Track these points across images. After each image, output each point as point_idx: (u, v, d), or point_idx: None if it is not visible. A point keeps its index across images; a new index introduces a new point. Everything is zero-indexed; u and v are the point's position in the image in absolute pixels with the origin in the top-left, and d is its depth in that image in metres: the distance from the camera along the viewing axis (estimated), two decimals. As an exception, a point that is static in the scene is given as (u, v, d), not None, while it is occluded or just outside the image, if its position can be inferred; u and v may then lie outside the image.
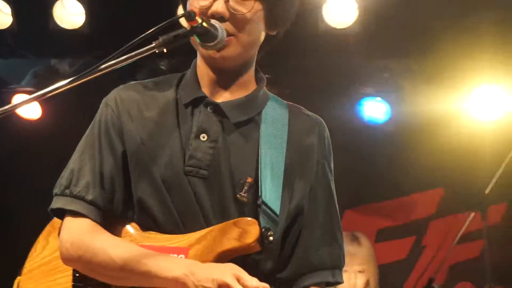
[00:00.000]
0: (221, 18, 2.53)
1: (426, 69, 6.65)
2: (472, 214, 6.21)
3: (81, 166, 2.72)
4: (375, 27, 6.00)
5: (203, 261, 2.50)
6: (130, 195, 2.68)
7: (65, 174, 2.74)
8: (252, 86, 2.78)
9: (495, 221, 6.96)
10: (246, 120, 2.70)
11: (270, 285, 2.57)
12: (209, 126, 2.66)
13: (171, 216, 2.61)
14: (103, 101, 2.81)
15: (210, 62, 2.69)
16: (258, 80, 2.81)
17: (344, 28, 5.99)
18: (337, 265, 2.77)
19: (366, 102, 6.86)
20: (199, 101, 2.70)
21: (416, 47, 6.25)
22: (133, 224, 2.70)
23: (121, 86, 2.85)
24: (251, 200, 2.59)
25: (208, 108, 2.68)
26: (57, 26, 6.11)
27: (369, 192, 7.28)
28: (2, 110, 2.26)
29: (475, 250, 7.11)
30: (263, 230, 2.53)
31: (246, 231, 2.53)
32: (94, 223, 2.66)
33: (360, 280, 5.54)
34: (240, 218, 2.57)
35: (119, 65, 2.30)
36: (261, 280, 2.50)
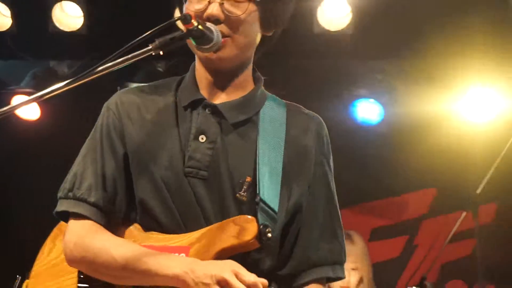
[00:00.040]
0: (216, 21, 2.54)
1: (419, 71, 6.65)
2: (464, 214, 6.20)
3: (83, 169, 2.74)
4: (368, 30, 6.01)
5: (204, 259, 2.51)
6: (133, 196, 2.70)
7: (68, 178, 2.77)
8: (250, 86, 2.78)
9: (486, 220, 6.97)
10: (244, 120, 2.70)
11: (271, 282, 2.59)
12: (207, 128, 2.66)
13: (173, 216, 2.62)
14: (105, 105, 2.83)
15: (207, 64, 2.69)
16: (255, 80, 2.81)
17: (338, 31, 6.00)
18: (338, 260, 2.77)
19: (359, 103, 6.88)
20: (198, 103, 2.70)
21: (409, 49, 6.25)
22: (136, 225, 2.71)
23: (121, 90, 2.86)
24: (251, 199, 2.60)
25: (207, 110, 2.68)
26: (56, 28, 6.11)
27: (363, 192, 7.29)
28: (1, 111, 2.27)
29: (466, 249, 7.13)
30: (261, 227, 2.53)
31: (245, 229, 2.54)
32: (97, 225, 2.67)
33: (354, 277, 5.55)
34: (238, 216, 2.57)
35: (116, 67, 2.31)
36: (261, 277, 2.51)
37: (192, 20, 2.40)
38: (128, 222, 2.72)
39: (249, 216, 2.56)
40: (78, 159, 2.79)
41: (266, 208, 2.58)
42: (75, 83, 2.29)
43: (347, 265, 5.61)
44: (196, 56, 2.73)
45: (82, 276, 2.73)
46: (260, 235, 2.53)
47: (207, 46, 2.51)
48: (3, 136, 6.96)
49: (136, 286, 2.61)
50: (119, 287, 2.66)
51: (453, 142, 6.77)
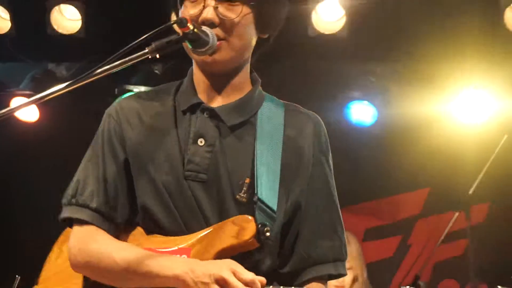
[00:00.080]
0: (211, 24, 2.55)
1: (412, 73, 6.66)
2: (456, 214, 6.21)
3: (86, 176, 2.76)
4: (362, 33, 6.02)
5: (204, 259, 2.53)
6: (135, 200, 2.71)
7: (71, 184, 2.78)
8: (247, 88, 2.79)
9: (478, 220, 6.98)
10: (241, 122, 2.71)
11: (272, 281, 2.61)
12: (206, 131, 2.67)
13: (174, 219, 2.64)
14: (106, 112, 2.85)
15: (204, 67, 2.70)
16: (253, 82, 2.82)
17: (332, 34, 6.01)
18: (339, 257, 2.77)
19: (353, 105, 6.89)
20: (196, 107, 2.71)
21: (401, 52, 6.26)
22: (139, 228, 2.73)
23: (122, 97, 2.89)
24: (250, 199, 2.61)
25: (205, 114, 2.70)
26: (55, 31, 6.13)
27: (357, 193, 7.29)
28: (0, 113, 2.28)
29: (459, 248, 7.13)
30: (259, 226, 2.55)
31: (244, 228, 2.55)
32: (100, 230, 2.69)
33: (348, 276, 5.57)
34: (237, 216, 2.59)
35: (114, 70, 2.32)
36: (262, 276, 2.54)
37: (188, 24, 2.41)
38: (131, 226, 2.74)
39: (248, 216, 2.57)
40: (81, 165, 2.81)
41: (264, 207, 2.59)
42: (73, 85, 2.30)
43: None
44: (193, 61, 2.74)
45: (87, 282, 2.76)
46: (259, 234, 2.54)
47: (203, 49, 2.52)
48: (2, 138, 6.96)
49: (138, 288, 2.62)
50: None
51: (445, 143, 6.77)
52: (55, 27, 6.13)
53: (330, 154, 2.81)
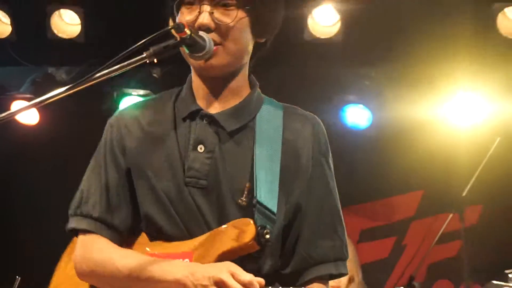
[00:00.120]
0: (207, 29, 2.56)
1: (406, 77, 6.67)
2: (450, 216, 6.24)
3: (89, 186, 2.78)
4: (357, 37, 6.04)
5: (206, 263, 2.55)
6: (138, 208, 2.73)
7: (76, 195, 2.81)
8: (246, 92, 2.79)
9: (471, 222, 6.99)
10: (240, 127, 2.71)
11: (274, 281, 2.64)
12: (205, 138, 2.68)
13: (176, 225, 2.65)
14: (108, 122, 2.86)
15: (201, 72, 2.71)
16: (251, 85, 2.82)
17: (327, 38, 6.03)
18: (340, 257, 2.76)
19: (349, 108, 6.91)
20: (195, 114, 2.72)
21: (396, 56, 6.27)
22: (144, 234, 2.75)
23: (123, 107, 2.91)
24: (251, 203, 2.61)
25: (204, 120, 2.70)
26: (55, 35, 6.14)
27: (352, 195, 7.29)
28: (1, 117, 2.30)
29: (453, 249, 7.14)
30: (259, 228, 2.55)
31: (243, 231, 2.56)
32: (103, 238, 2.72)
33: (344, 277, 5.58)
34: (237, 219, 2.60)
35: (112, 74, 2.33)
36: (264, 278, 2.56)
37: (185, 29, 2.42)
38: (136, 232, 2.77)
39: (248, 219, 2.58)
40: (85, 176, 2.83)
41: (264, 210, 2.59)
42: (73, 89, 2.31)
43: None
44: (191, 68, 2.75)
45: None
46: (258, 236, 2.55)
47: (200, 54, 2.53)
48: (3, 140, 6.97)
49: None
50: None
51: (439, 146, 6.78)
52: (55, 31, 6.14)
53: (330, 155, 2.81)
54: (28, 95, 6.75)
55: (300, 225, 2.72)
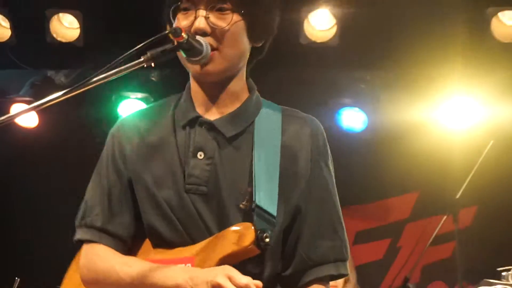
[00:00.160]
0: (203, 34, 2.55)
1: (401, 81, 6.69)
2: (444, 217, 6.24)
3: (92, 196, 2.79)
4: (353, 41, 6.05)
5: (207, 267, 2.55)
6: (140, 216, 2.74)
7: (81, 206, 2.81)
8: (245, 96, 2.78)
9: (465, 224, 7.00)
10: (239, 132, 2.70)
11: (276, 284, 2.66)
12: (205, 144, 2.67)
13: (178, 232, 2.65)
14: (109, 132, 2.86)
15: (198, 78, 2.70)
16: (250, 88, 2.81)
17: (323, 42, 6.05)
18: (340, 258, 2.74)
19: (344, 111, 6.92)
20: (194, 121, 2.71)
21: (391, 60, 6.27)
22: (147, 241, 2.75)
23: (124, 116, 2.90)
24: (251, 207, 2.60)
25: (203, 127, 2.69)
26: (54, 39, 6.14)
27: (348, 197, 7.25)
28: (1, 120, 2.30)
29: (447, 251, 7.14)
30: (258, 232, 2.54)
31: (243, 235, 2.55)
32: (107, 247, 2.73)
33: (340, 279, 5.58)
34: (238, 224, 2.59)
35: (110, 77, 2.33)
36: (265, 280, 2.57)
37: (182, 34, 2.41)
38: (139, 240, 2.77)
39: (248, 223, 2.57)
40: (88, 186, 2.84)
41: (263, 213, 2.58)
42: (71, 93, 2.30)
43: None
44: (190, 74, 2.74)
45: None
46: (258, 240, 2.54)
47: (197, 58, 2.53)
48: (2, 143, 6.97)
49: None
50: None
51: (434, 148, 6.80)
52: (54, 35, 6.14)
53: (329, 156, 2.79)
54: (27, 98, 6.76)
55: (300, 227, 2.71)
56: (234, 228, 2.59)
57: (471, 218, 7.27)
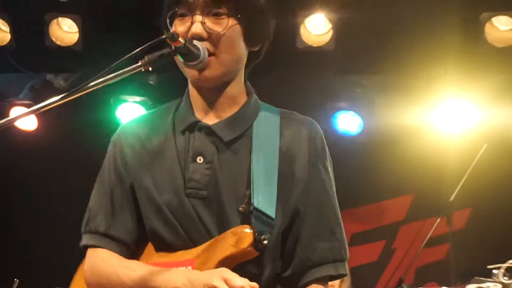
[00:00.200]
0: (200, 39, 2.56)
1: (396, 85, 6.69)
2: (438, 220, 6.26)
3: (96, 203, 2.81)
4: (348, 45, 6.07)
5: (207, 269, 2.56)
6: (143, 220, 2.76)
7: (86, 213, 2.84)
8: (242, 100, 2.78)
9: (459, 226, 7.00)
10: (238, 136, 2.71)
11: (276, 285, 2.68)
12: (204, 149, 2.68)
13: (180, 236, 2.67)
14: (111, 139, 2.88)
15: (196, 83, 2.71)
16: (248, 92, 2.81)
17: (319, 46, 6.06)
18: (338, 258, 2.74)
19: (340, 115, 6.92)
20: (193, 126, 2.72)
21: (386, 64, 6.29)
22: (150, 244, 2.77)
23: (125, 123, 2.92)
24: (250, 210, 2.61)
25: (202, 132, 2.70)
26: (53, 43, 6.16)
27: (343, 199, 7.25)
28: (1, 123, 2.31)
29: (441, 253, 7.14)
30: (256, 234, 2.55)
31: (242, 237, 2.56)
32: (109, 252, 2.75)
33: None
34: (237, 226, 2.60)
35: (108, 81, 2.34)
36: (264, 281, 2.60)
37: (180, 38, 2.42)
38: (142, 244, 2.79)
39: (246, 225, 2.58)
40: (92, 193, 2.86)
41: (261, 215, 2.59)
42: (70, 96, 2.32)
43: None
44: (188, 80, 2.75)
45: None
46: (256, 242, 2.55)
47: (194, 63, 2.53)
48: (2, 146, 6.98)
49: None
50: None
51: (428, 152, 6.81)
52: (54, 39, 6.16)
53: (328, 158, 2.79)
54: (26, 102, 6.76)
55: (298, 229, 2.71)
56: (232, 230, 2.60)
57: (465, 221, 7.27)
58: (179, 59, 2.55)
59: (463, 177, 6.15)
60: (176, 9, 2.63)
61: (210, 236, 2.63)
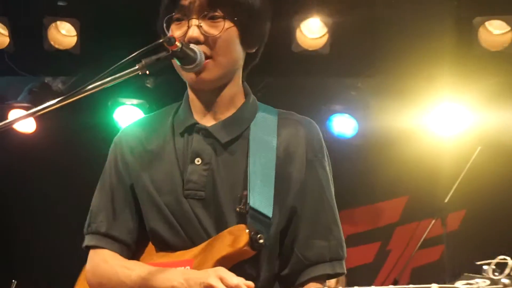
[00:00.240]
0: (197, 42, 2.57)
1: (391, 88, 6.71)
2: (433, 221, 6.28)
3: (97, 205, 2.83)
4: (344, 49, 6.08)
5: (205, 269, 2.56)
6: (143, 221, 2.77)
7: (88, 215, 2.85)
8: (240, 101, 2.79)
9: (453, 227, 7.01)
10: (235, 137, 2.71)
11: (274, 283, 2.69)
12: (202, 150, 2.69)
13: (179, 236, 2.67)
14: (113, 141, 2.89)
15: (194, 86, 2.72)
16: (245, 94, 2.82)
17: (315, 50, 6.07)
18: (335, 257, 2.72)
19: (335, 118, 6.93)
20: (192, 128, 2.73)
21: (381, 68, 6.30)
22: (151, 244, 2.78)
23: (127, 125, 2.93)
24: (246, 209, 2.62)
25: (200, 133, 2.71)
26: (51, 46, 6.16)
27: (338, 201, 7.26)
28: (0, 126, 2.32)
29: (435, 254, 7.15)
30: (252, 234, 2.55)
31: (237, 237, 2.56)
32: (110, 252, 2.76)
33: (333, 280, 5.59)
34: (233, 226, 2.61)
35: (106, 85, 2.34)
36: (263, 280, 2.61)
37: (176, 42, 2.42)
38: (143, 244, 2.80)
39: (242, 225, 2.58)
40: (94, 195, 2.87)
41: (258, 215, 2.59)
42: (68, 99, 2.32)
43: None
44: (187, 83, 2.76)
45: None
46: (252, 241, 2.55)
47: (191, 66, 2.54)
48: (0, 148, 6.98)
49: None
50: None
51: (423, 154, 6.82)
52: (52, 42, 6.16)
53: (326, 157, 2.78)
54: (25, 104, 6.77)
55: (296, 228, 2.70)
56: (229, 230, 2.61)
57: (459, 222, 7.29)
58: (176, 63, 2.56)
59: (458, 179, 6.17)
60: (173, 13, 2.64)
61: (209, 237, 2.64)
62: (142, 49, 2.36)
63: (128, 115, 6.76)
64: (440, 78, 6.28)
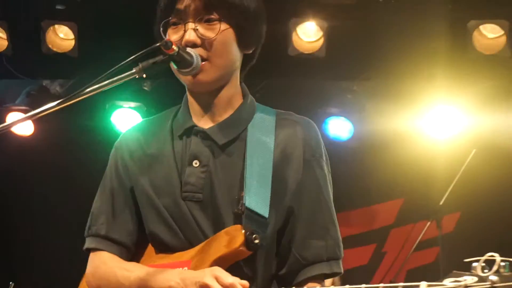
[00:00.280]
0: (193, 45, 2.58)
1: (386, 91, 6.72)
2: (428, 223, 6.28)
3: (98, 207, 2.84)
4: (339, 52, 6.09)
5: (202, 269, 2.57)
6: (143, 224, 2.79)
7: (89, 217, 2.86)
8: (238, 102, 2.79)
9: (448, 229, 7.02)
10: (232, 139, 2.72)
11: (271, 283, 2.69)
12: (199, 153, 2.70)
13: (178, 238, 2.69)
14: (114, 146, 2.90)
15: (191, 88, 2.73)
16: (243, 95, 2.82)
17: (311, 53, 6.08)
18: (332, 256, 2.73)
19: (331, 121, 6.93)
20: (190, 130, 2.74)
21: (376, 71, 6.31)
22: (150, 246, 2.80)
23: (127, 129, 2.94)
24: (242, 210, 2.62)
25: (198, 136, 2.72)
26: (49, 49, 6.17)
27: (334, 203, 7.27)
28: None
29: (431, 256, 7.15)
30: (247, 234, 2.55)
31: (233, 237, 2.57)
32: (110, 255, 2.78)
33: (328, 281, 5.60)
34: (230, 227, 2.61)
35: (103, 88, 2.35)
36: (261, 280, 2.62)
37: (173, 46, 2.43)
38: (143, 246, 2.81)
39: (238, 226, 2.59)
40: (95, 198, 2.88)
41: (254, 215, 2.59)
42: (66, 102, 2.33)
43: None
44: (186, 86, 2.76)
45: None
46: (248, 242, 2.55)
47: (188, 70, 2.55)
48: (-2, 150, 6.99)
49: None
50: None
51: (418, 157, 6.83)
52: (50, 46, 6.17)
53: (324, 157, 2.78)
54: (23, 107, 6.77)
55: (293, 227, 2.71)
56: (225, 231, 2.61)
57: (454, 224, 7.29)
58: (174, 66, 2.57)
59: (452, 181, 6.18)
60: (169, 18, 2.65)
61: (206, 239, 2.65)
62: (139, 53, 2.37)
63: (125, 118, 6.76)
64: (435, 81, 6.29)
